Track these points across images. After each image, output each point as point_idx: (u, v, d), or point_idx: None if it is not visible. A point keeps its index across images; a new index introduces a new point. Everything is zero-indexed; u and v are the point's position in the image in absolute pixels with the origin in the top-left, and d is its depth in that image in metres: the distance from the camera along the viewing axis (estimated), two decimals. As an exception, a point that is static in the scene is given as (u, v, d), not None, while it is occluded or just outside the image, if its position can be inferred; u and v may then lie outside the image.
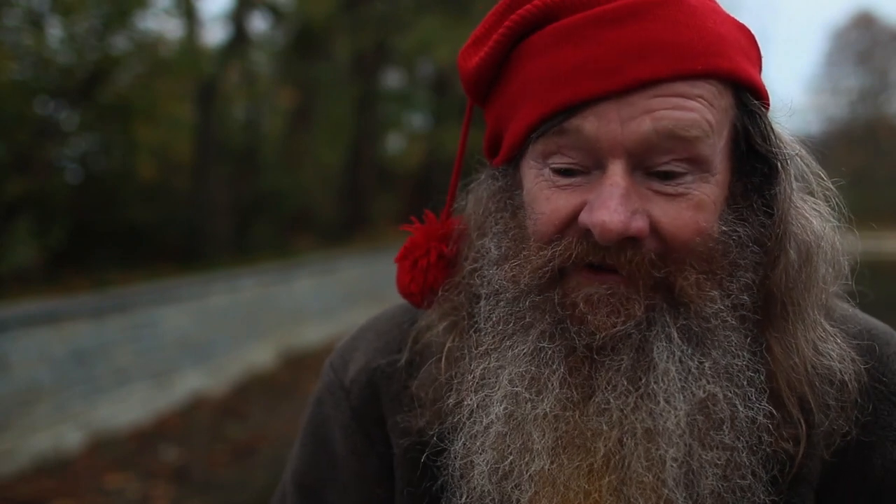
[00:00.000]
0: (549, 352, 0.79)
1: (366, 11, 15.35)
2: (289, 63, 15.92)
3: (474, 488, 0.82)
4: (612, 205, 0.74)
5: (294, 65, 15.67)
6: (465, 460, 0.83)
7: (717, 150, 0.78)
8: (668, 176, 0.76)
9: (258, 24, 16.08)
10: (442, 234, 0.97)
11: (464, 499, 0.83)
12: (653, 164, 0.76)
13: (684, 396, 0.76)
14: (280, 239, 14.12)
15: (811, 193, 0.87)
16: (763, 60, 0.87)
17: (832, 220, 0.87)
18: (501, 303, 0.84)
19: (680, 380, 0.76)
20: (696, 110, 0.75)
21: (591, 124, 0.75)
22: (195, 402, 7.44)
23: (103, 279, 8.18)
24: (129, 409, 6.58)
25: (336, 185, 17.70)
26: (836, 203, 0.89)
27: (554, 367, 0.79)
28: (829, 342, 0.85)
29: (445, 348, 0.91)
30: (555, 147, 0.79)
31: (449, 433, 0.86)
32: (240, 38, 13.78)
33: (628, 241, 0.76)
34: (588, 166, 0.78)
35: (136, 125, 10.07)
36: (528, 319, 0.81)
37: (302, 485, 1.04)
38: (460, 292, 0.92)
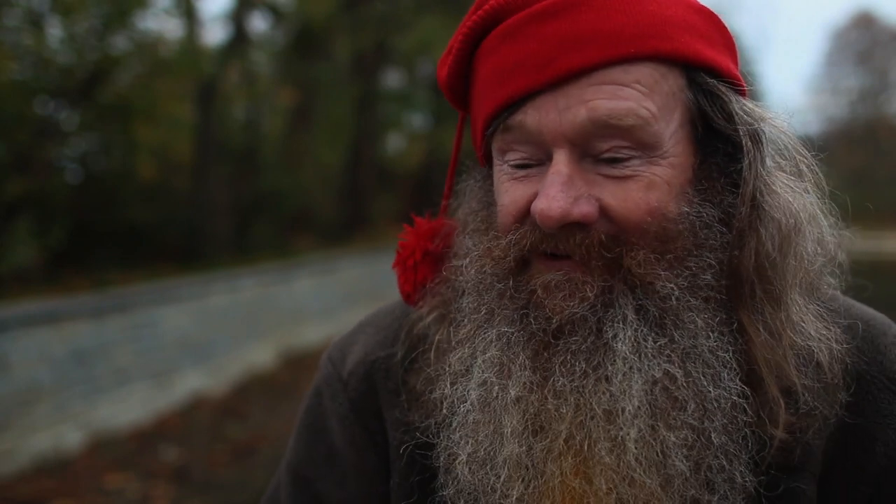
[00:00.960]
0: (513, 337, 0.81)
1: (366, 11, 15.35)
2: (289, 63, 15.92)
3: (458, 479, 0.83)
4: (551, 192, 0.76)
5: (294, 65, 15.66)
6: (449, 451, 0.85)
7: (663, 133, 0.78)
8: (614, 161, 0.78)
9: (258, 24, 16.09)
10: (428, 233, 1.00)
11: (451, 490, 0.84)
12: (597, 150, 0.77)
13: (641, 377, 0.76)
14: (280, 239, 14.12)
15: (797, 175, 0.85)
16: (733, 44, 0.86)
17: (816, 198, 0.85)
18: (473, 293, 0.86)
19: (635, 360, 0.76)
20: (632, 98, 0.76)
21: (531, 118, 0.78)
22: (195, 402, 7.44)
23: (103, 279, 8.19)
24: (129, 409, 6.58)
25: (336, 185, 17.70)
26: (828, 189, 0.88)
27: (517, 351, 0.80)
28: (808, 323, 0.84)
29: (434, 341, 0.92)
30: (506, 144, 0.82)
31: (438, 426, 0.87)
32: (240, 38, 13.78)
33: (576, 226, 0.77)
34: (540, 158, 0.80)
35: (136, 125, 10.08)
36: (493, 307, 0.83)
37: (297, 475, 1.05)
38: (448, 287, 0.94)
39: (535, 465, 0.79)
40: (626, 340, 0.76)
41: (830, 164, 0.90)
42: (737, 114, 0.81)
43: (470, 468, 0.82)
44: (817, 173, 0.86)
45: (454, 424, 0.84)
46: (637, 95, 0.76)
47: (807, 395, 0.83)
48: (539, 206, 0.77)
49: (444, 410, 0.85)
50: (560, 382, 0.78)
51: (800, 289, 0.84)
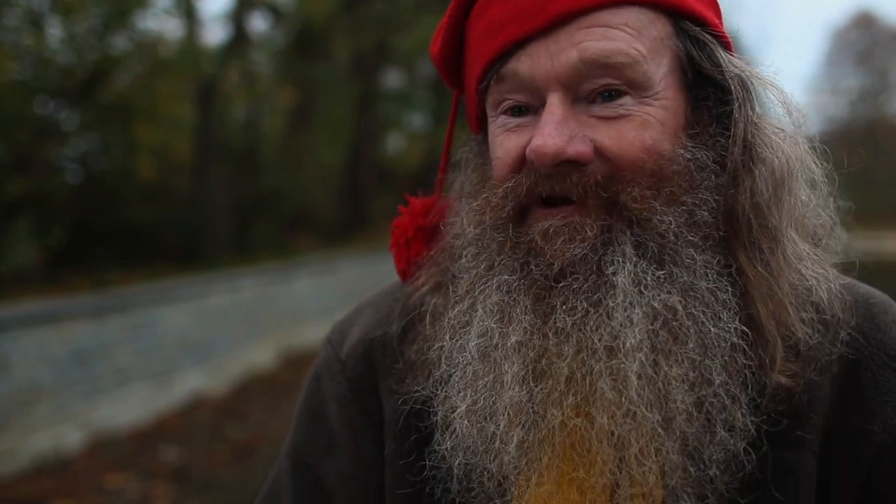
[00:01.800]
0: (514, 284, 0.82)
1: (366, 11, 15.35)
2: (289, 63, 15.92)
3: (456, 431, 0.83)
4: (546, 130, 0.78)
5: (294, 65, 15.66)
6: (446, 406, 0.85)
7: (654, 75, 0.80)
8: (607, 97, 0.79)
9: (258, 24, 16.10)
10: (420, 210, 1.02)
11: (448, 444, 0.84)
12: (589, 89, 0.79)
13: (642, 310, 0.77)
14: (280, 239, 14.12)
15: (787, 123, 0.87)
16: (717, 5, 0.89)
17: (809, 144, 0.87)
18: (472, 248, 0.87)
19: (635, 293, 0.77)
20: (621, 39, 0.78)
21: (524, 65, 0.81)
22: (195, 402, 7.44)
23: (103, 279, 8.19)
24: (129, 409, 6.58)
25: (336, 185, 17.71)
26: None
27: (519, 297, 0.81)
28: (806, 261, 0.85)
29: (430, 305, 0.93)
30: (500, 95, 0.84)
31: (436, 385, 0.87)
32: (240, 38, 13.79)
33: (572, 166, 0.78)
34: (534, 105, 0.82)
35: (136, 125, 10.08)
36: (494, 257, 0.84)
37: (297, 460, 1.04)
38: (446, 256, 0.95)
39: (536, 409, 0.79)
40: (626, 274, 0.77)
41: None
42: (724, 59, 0.84)
43: (469, 419, 0.82)
44: (805, 121, 0.88)
45: (452, 378, 0.84)
46: (626, 37, 0.79)
47: (807, 333, 0.83)
48: (534, 143, 0.78)
49: (443, 366, 0.86)
50: (561, 320, 0.78)
51: (796, 230, 0.85)
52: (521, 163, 0.82)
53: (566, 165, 0.78)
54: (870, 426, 0.86)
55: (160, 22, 11.45)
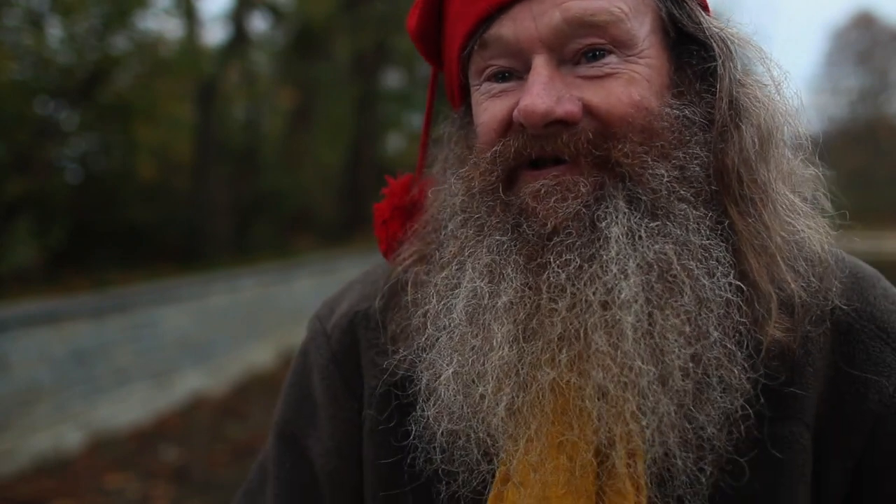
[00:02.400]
0: (506, 245, 0.81)
1: (366, 11, 15.35)
2: (289, 63, 15.92)
3: (441, 397, 0.82)
4: (535, 90, 0.78)
5: (294, 65, 15.66)
6: (431, 371, 0.83)
7: (638, 33, 0.81)
8: (592, 57, 0.80)
9: (258, 24, 16.10)
10: (399, 189, 1.02)
11: (432, 410, 0.83)
12: (574, 49, 0.80)
13: (635, 262, 0.76)
14: (280, 239, 14.12)
15: (768, 78, 0.88)
16: None
17: (789, 100, 0.87)
18: (459, 214, 0.86)
19: (629, 245, 0.77)
20: None
21: (507, 29, 0.81)
22: (195, 402, 7.44)
23: (103, 279, 8.19)
24: (129, 409, 6.58)
25: (336, 185, 17.71)
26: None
27: (511, 257, 0.80)
28: (796, 214, 0.85)
29: (412, 274, 0.93)
30: (483, 61, 0.84)
31: (420, 354, 0.86)
32: (240, 38, 13.78)
33: (561, 126, 0.78)
34: (519, 70, 0.82)
35: (136, 125, 10.08)
36: (483, 220, 0.84)
37: (283, 434, 1.04)
38: (430, 229, 0.94)
39: (527, 370, 0.78)
40: (620, 226, 0.77)
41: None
42: (703, 18, 0.85)
43: (455, 383, 0.81)
44: (787, 77, 0.88)
45: (438, 343, 0.83)
46: None
47: (801, 286, 0.83)
48: (522, 103, 0.78)
49: (429, 330, 0.85)
50: (555, 275, 0.78)
51: (784, 183, 0.86)
52: (508, 126, 0.82)
53: (556, 126, 0.78)
54: (864, 399, 0.85)
55: (160, 22, 11.47)
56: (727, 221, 0.82)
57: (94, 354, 6.25)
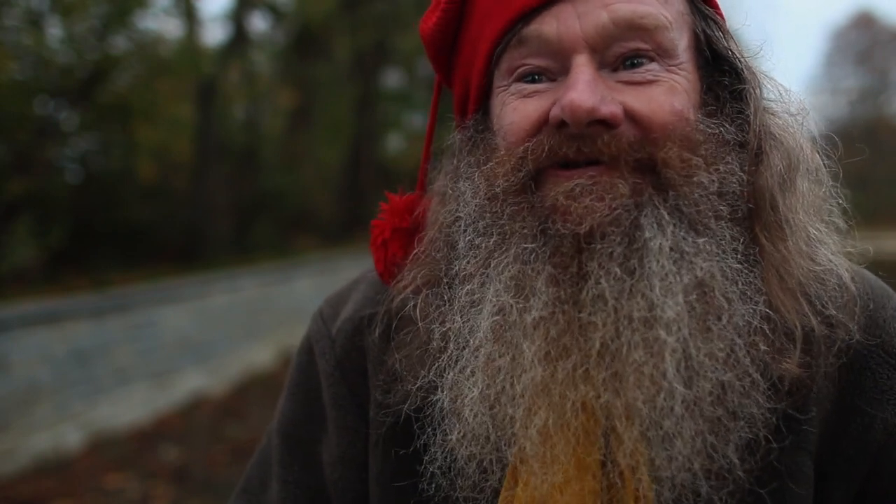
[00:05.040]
0: (533, 253, 0.77)
1: (366, 11, 15.35)
2: (289, 63, 15.92)
3: (466, 419, 0.78)
4: (580, 86, 0.74)
5: (294, 65, 15.66)
6: (453, 393, 0.79)
7: (679, 44, 0.79)
8: (635, 63, 0.77)
9: (258, 24, 16.09)
10: (400, 209, 0.98)
11: (456, 434, 0.79)
12: (617, 53, 0.77)
13: (681, 278, 0.73)
14: (280, 239, 14.11)
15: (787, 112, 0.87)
16: None
17: (808, 130, 0.87)
18: (481, 222, 0.82)
19: (675, 260, 0.74)
20: (651, 3, 0.77)
21: (549, 26, 0.77)
22: (195, 402, 7.44)
23: (103, 279, 8.18)
24: (129, 409, 6.58)
25: (336, 185, 17.70)
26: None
27: (539, 266, 0.76)
28: (820, 244, 0.84)
29: (421, 298, 0.88)
30: (518, 59, 0.80)
31: (434, 378, 0.83)
32: (240, 38, 13.78)
33: (602, 126, 0.75)
34: (554, 72, 0.79)
35: (136, 125, 10.07)
36: (507, 227, 0.79)
37: (289, 436, 1.02)
38: (438, 248, 0.89)
39: (560, 389, 0.75)
40: (664, 238, 0.74)
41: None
42: (734, 44, 0.84)
43: (482, 405, 0.77)
44: (805, 115, 0.87)
45: (461, 365, 0.79)
46: (655, 2, 0.77)
47: (825, 316, 0.81)
48: (567, 97, 0.74)
49: (450, 349, 0.80)
50: (597, 288, 0.74)
51: (807, 212, 0.85)
52: (539, 127, 0.78)
53: (597, 126, 0.74)
54: (870, 426, 0.84)
55: (160, 22, 11.46)
56: (756, 248, 0.80)
57: (94, 354, 6.25)
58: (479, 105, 0.88)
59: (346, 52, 16.74)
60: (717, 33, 0.83)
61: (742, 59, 0.84)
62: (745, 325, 0.75)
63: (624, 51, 0.77)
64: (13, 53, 7.90)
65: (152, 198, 12.15)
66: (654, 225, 0.74)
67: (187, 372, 7.56)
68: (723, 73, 0.84)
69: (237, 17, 13.69)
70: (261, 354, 9.06)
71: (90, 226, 10.30)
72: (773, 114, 0.85)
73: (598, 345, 0.74)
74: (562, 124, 0.76)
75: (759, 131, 0.81)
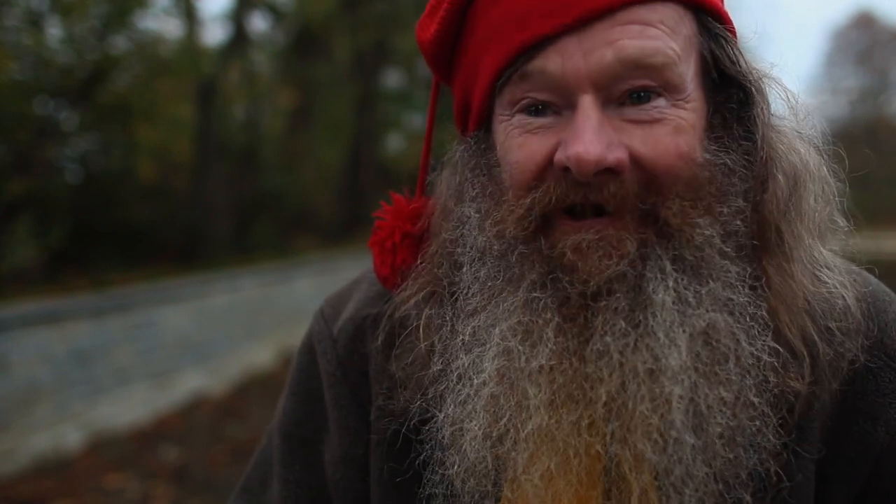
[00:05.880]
0: (542, 301, 0.77)
1: (366, 11, 15.35)
2: (289, 63, 15.92)
3: (466, 454, 0.79)
4: (586, 137, 0.72)
5: (294, 65, 15.66)
6: (454, 427, 0.80)
7: (686, 77, 0.76)
8: (640, 100, 0.75)
9: (258, 24, 16.09)
10: (408, 214, 0.96)
11: (456, 467, 0.80)
12: (623, 91, 0.74)
13: (684, 329, 0.73)
14: (280, 239, 14.11)
15: (795, 123, 0.86)
16: None
17: (815, 145, 0.85)
18: (488, 260, 0.81)
19: (678, 311, 0.74)
20: (658, 37, 0.74)
21: (553, 63, 0.74)
22: (195, 402, 7.44)
23: (103, 279, 8.18)
24: (129, 409, 6.58)
25: (336, 185, 17.70)
26: (822, 139, 0.87)
27: (548, 316, 0.76)
28: (826, 269, 0.83)
29: (423, 316, 0.87)
30: (521, 93, 0.78)
31: (433, 403, 0.83)
32: (240, 38, 13.78)
33: (609, 174, 0.74)
34: (558, 105, 0.77)
35: (136, 125, 10.07)
36: (516, 271, 0.79)
37: (290, 435, 1.02)
38: (440, 263, 0.89)
39: (564, 436, 0.75)
40: (668, 291, 0.74)
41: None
42: (741, 58, 0.81)
43: (483, 444, 0.78)
44: (810, 117, 0.86)
45: (462, 398, 0.79)
46: (663, 35, 0.74)
47: (831, 341, 0.81)
48: (575, 149, 0.72)
49: (444, 386, 0.81)
50: (601, 343, 0.74)
51: (812, 233, 0.84)
52: (545, 167, 0.77)
53: (603, 175, 0.73)
54: (872, 428, 0.84)
55: (160, 22, 11.46)
56: (763, 277, 0.79)
57: (94, 354, 6.25)
58: (481, 124, 0.87)
59: (346, 52, 16.74)
60: (727, 52, 0.80)
61: (751, 78, 0.81)
62: (754, 364, 0.76)
63: (629, 87, 0.74)
64: (13, 53, 7.90)
65: (152, 198, 12.14)
66: (658, 276, 0.74)
67: (187, 372, 7.56)
68: (730, 92, 0.82)
69: (237, 17, 13.69)
70: (261, 354, 9.06)
71: (90, 226, 10.30)
72: (780, 131, 0.83)
73: (604, 397, 0.74)
74: (568, 169, 0.75)
75: (766, 157, 0.79)
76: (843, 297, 0.83)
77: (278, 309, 9.70)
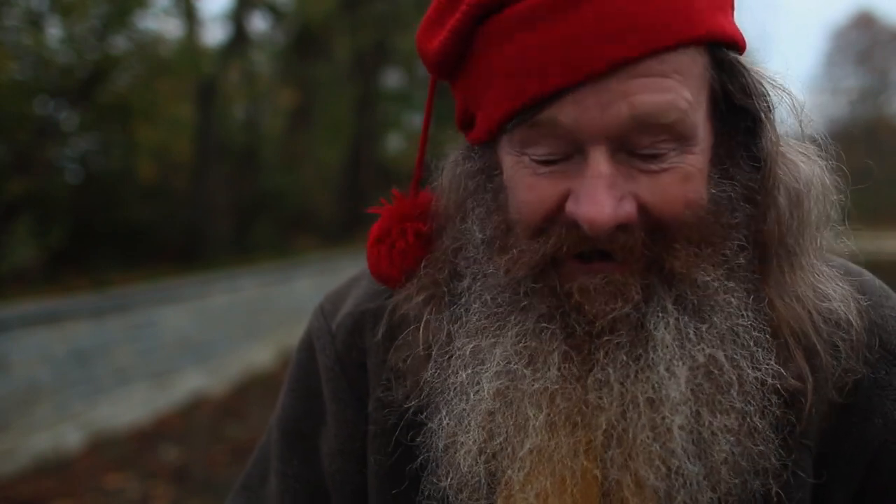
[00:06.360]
0: (550, 331, 0.78)
1: (366, 11, 15.35)
2: (289, 63, 15.93)
3: (459, 467, 0.80)
4: (599, 198, 0.72)
5: (294, 65, 15.67)
6: (449, 440, 0.81)
7: (698, 123, 0.75)
8: (653, 156, 0.74)
9: (258, 24, 16.10)
10: (417, 213, 0.94)
11: (449, 479, 0.81)
12: (635, 145, 0.73)
13: (684, 362, 0.74)
14: (280, 239, 14.12)
15: (800, 136, 0.85)
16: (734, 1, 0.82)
17: (819, 159, 0.85)
18: (496, 286, 0.81)
19: (678, 347, 0.75)
20: (672, 89, 0.72)
21: (565, 115, 0.72)
22: (195, 402, 7.44)
23: (103, 279, 8.18)
24: (129, 409, 6.58)
25: (336, 185, 17.70)
26: (826, 149, 0.87)
27: (555, 345, 0.77)
28: (828, 283, 0.84)
29: (423, 320, 0.88)
30: (531, 138, 0.76)
31: (427, 407, 0.84)
32: (240, 38, 13.79)
33: (619, 228, 0.74)
34: (569, 152, 0.75)
35: (136, 125, 10.07)
36: (525, 303, 0.79)
37: (288, 431, 1.02)
38: (442, 269, 0.88)
39: (561, 458, 0.76)
40: (669, 329, 0.75)
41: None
42: (752, 81, 0.79)
43: (478, 459, 0.79)
44: (811, 124, 0.86)
45: (457, 412, 0.81)
46: (676, 86, 0.72)
47: (836, 356, 0.82)
48: (588, 214, 0.72)
49: (441, 395, 0.82)
50: (602, 374, 0.75)
51: (815, 249, 0.84)
52: (555, 212, 0.76)
53: (614, 229, 0.74)
54: (869, 422, 0.84)
55: (160, 22, 11.46)
56: (766, 299, 0.80)
57: (94, 354, 6.26)
58: (486, 143, 0.85)
59: (346, 52, 16.75)
60: (738, 81, 0.78)
61: (761, 105, 0.79)
62: (758, 390, 0.76)
63: (643, 143, 0.73)
64: (13, 53, 7.90)
65: (152, 198, 12.14)
66: (659, 315, 0.75)
67: (187, 372, 7.56)
68: (737, 120, 0.81)
69: (237, 17, 13.69)
70: (261, 354, 9.06)
71: (90, 226, 10.30)
72: (784, 152, 0.82)
73: (604, 425, 0.76)
74: (578, 222, 0.74)
75: (770, 185, 0.79)
76: (845, 312, 0.83)
77: (278, 309, 9.70)
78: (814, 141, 0.86)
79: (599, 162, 0.72)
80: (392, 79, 21.22)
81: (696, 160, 0.76)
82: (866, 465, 0.85)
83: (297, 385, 1.04)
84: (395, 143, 23.34)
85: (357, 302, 1.00)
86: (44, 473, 5.34)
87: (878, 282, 0.93)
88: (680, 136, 0.74)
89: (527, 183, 0.77)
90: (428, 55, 0.83)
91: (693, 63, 0.74)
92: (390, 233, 0.94)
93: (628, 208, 0.73)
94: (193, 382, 7.62)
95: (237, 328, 8.67)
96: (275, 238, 13.94)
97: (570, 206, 0.74)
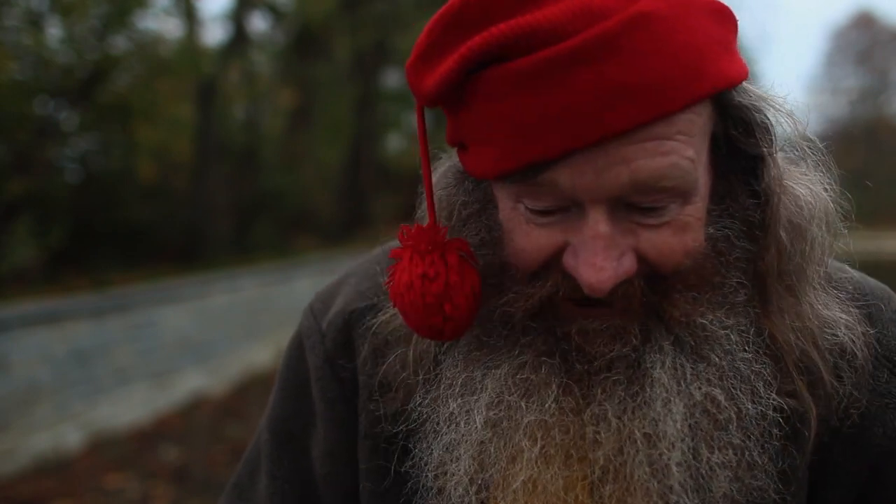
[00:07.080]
0: (550, 365, 0.77)
1: (366, 11, 15.36)
2: (289, 63, 15.93)
3: (450, 496, 0.80)
4: (598, 262, 0.70)
5: (294, 65, 15.67)
6: (439, 469, 0.81)
7: (699, 174, 0.73)
8: (652, 211, 0.72)
9: (258, 24, 16.10)
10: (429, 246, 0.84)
11: None
12: (633, 202, 0.72)
13: (681, 399, 0.74)
14: (280, 239, 14.12)
15: (802, 159, 0.83)
16: (735, 20, 0.77)
17: (823, 184, 0.83)
18: (489, 321, 0.80)
19: (675, 384, 0.75)
20: (674, 151, 0.69)
21: (564, 178, 0.70)
22: (195, 402, 7.44)
23: (103, 279, 8.19)
24: (129, 409, 6.58)
25: (336, 185, 17.71)
26: (829, 166, 0.85)
27: (552, 379, 0.77)
28: (832, 311, 0.83)
29: (413, 340, 0.87)
30: (528, 192, 0.74)
31: (416, 434, 0.84)
32: (240, 38, 13.79)
33: (618, 283, 0.73)
34: (567, 206, 0.73)
35: (136, 125, 10.08)
36: (522, 339, 0.79)
37: (278, 431, 1.02)
38: None
39: (557, 492, 0.76)
40: (665, 368, 0.75)
41: (834, 164, 0.88)
42: (754, 121, 0.77)
43: (469, 489, 0.79)
44: (824, 156, 0.84)
45: (447, 441, 0.81)
46: (679, 147, 0.69)
47: (839, 385, 0.81)
48: (589, 279, 0.70)
49: (430, 421, 0.82)
50: (600, 408, 0.75)
51: (817, 277, 0.82)
52: (552, 260, 0.75)
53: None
54: (868, 431, 0.84)
55: (160, 22, 11.47)
56: (766, 330, 0.79)
57: (94, 354, 6.26)
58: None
59: (346, 52, 16.75)
60: (738, 126, 0.76)
61: (763, 144, 0.77)
62: (758, 424, 0.76)
63: (642, 201, 0.71)
64: (13, 53, 7.91)
65: (152, 198, 12.15)
66: (657, 355, 0.75)
67: (187, 372, 7.56)
68: (738, 158, 0.79)
69: (237, 17, 13.69)
70: (261, 354, 9.06)
71: (90, 226, 10.30)
72: (785, 185, 0.80)
73: (601, 461, 0.75)
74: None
75: (770, 220, 0.78)
76: (850, 339, 0.82)
77: (278, 309, 9.70)
78: (814, 150, 0.84)
79: (598, 221, 0.71)
80: (392, 79, 21.21)
81: (696, 209, 0.74)
82: (865, 474, 0.84)
83: (286, 385, 1.03)
84: (395, 143, 23.35)
85: (347, 301, 0.99)
86: (44, 473, 5.34)
87: (878, 284, 0.92)
88: (681, 194, 0.72)
89: (523, 230, 0.76)
90: (421, 92, 0.80)
91: (697, 117, 0.72)
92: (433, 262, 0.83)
93: (627, 265, 0.72)
94: (193, 382, 7.62)
95: (237, 328, 8.68)
96: (275, 238, 13.95)
97: (568, 260, 0.73)
